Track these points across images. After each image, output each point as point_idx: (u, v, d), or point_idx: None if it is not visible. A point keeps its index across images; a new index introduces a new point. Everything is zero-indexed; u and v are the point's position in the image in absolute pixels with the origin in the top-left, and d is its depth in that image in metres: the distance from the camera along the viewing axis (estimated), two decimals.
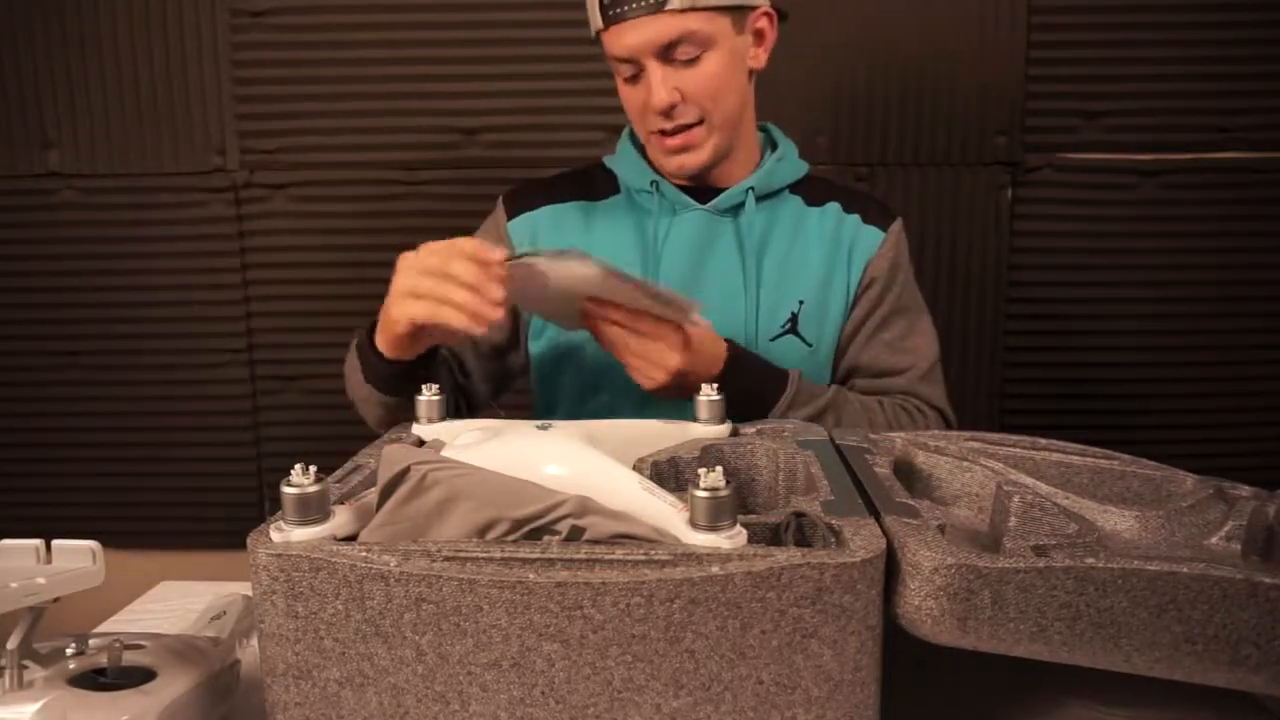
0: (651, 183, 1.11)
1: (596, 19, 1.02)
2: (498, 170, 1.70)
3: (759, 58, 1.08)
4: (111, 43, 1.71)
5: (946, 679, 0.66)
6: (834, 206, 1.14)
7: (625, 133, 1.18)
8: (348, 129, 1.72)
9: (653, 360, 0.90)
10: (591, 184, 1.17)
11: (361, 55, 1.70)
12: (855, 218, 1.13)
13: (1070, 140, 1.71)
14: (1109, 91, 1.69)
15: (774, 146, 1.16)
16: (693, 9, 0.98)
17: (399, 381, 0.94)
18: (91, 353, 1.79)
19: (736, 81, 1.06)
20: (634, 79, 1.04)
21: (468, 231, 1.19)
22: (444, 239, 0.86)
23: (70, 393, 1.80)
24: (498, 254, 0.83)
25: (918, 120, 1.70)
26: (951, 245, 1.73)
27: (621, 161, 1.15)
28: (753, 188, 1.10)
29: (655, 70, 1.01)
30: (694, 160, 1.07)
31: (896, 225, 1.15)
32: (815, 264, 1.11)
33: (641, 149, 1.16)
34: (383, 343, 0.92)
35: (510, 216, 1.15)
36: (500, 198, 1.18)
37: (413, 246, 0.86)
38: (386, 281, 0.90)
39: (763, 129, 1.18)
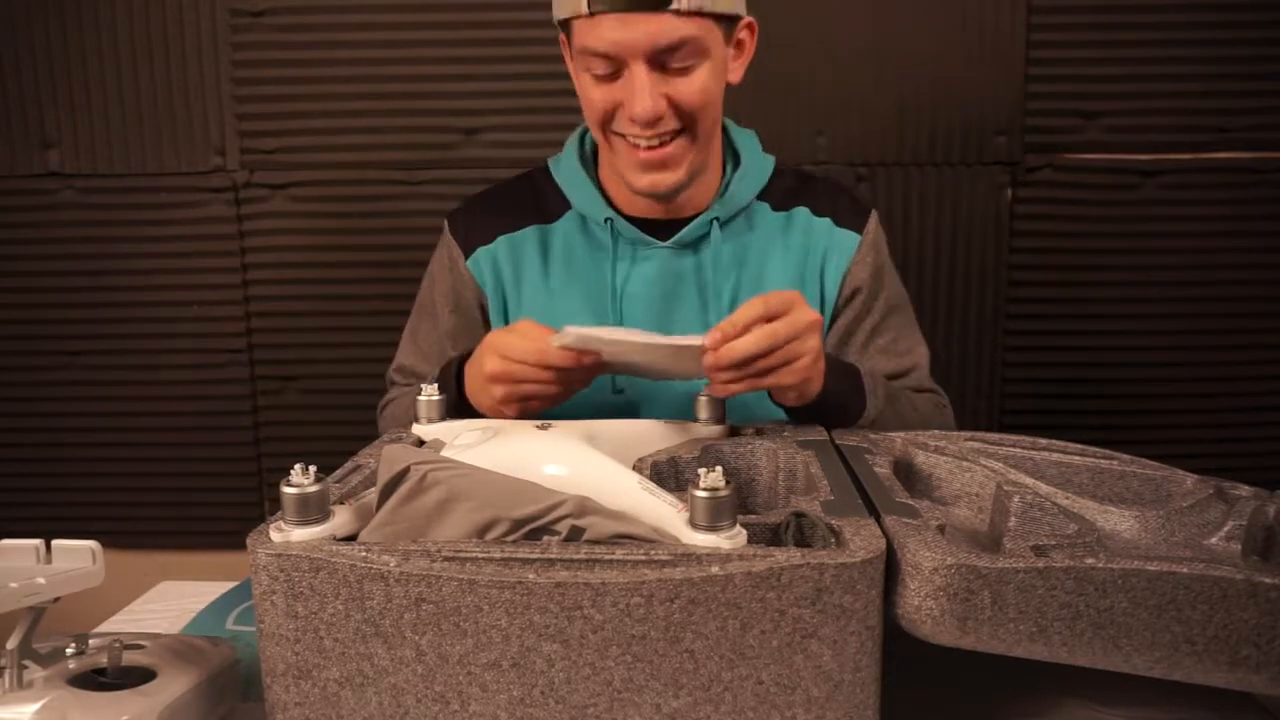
0: (605, 220, 1.02)
1: (576, 3, 0.88)
2: (498, 170, 1.70)
3: (736, 71, 0.98)
4: (111, 42, 1.71)
5: (946, 679, 0.66)
6: (802, 212, 1.06)
7: (573, 143, 1.07)
8: (348, 129, 1.72)
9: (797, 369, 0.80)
10: (540, 198, 1.07)
11: (361, 55, 1.70)
12: (826, 221, 1.05)
13: (1070, 140, 1.70)
14: (1109, 91, 1.69)
15: (734, 155, 1.06)
16: (699, 13, 0.87)
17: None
18: (91, 353, 1.79)
19: (719, 95, 0.96)
20: (609, 78, 0.91)
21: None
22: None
23: (70, 393, 1.80)
24: (555, 355, 0.80)
25: (918, 120, 1.69)
26: (951, 245, 1.72)
27: (576, 188, 1.05)
28: (717, 218, 1.02)
29: (641, 74, 0.88)
30: (668, 180, 0.96)
31: (872, 223, 1.06)
32: (785, 279, 1.04)
33: (591, 168, 1.06)
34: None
35: (466, 253, 1.07)
36: (446, 223, 1.10)
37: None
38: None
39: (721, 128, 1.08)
